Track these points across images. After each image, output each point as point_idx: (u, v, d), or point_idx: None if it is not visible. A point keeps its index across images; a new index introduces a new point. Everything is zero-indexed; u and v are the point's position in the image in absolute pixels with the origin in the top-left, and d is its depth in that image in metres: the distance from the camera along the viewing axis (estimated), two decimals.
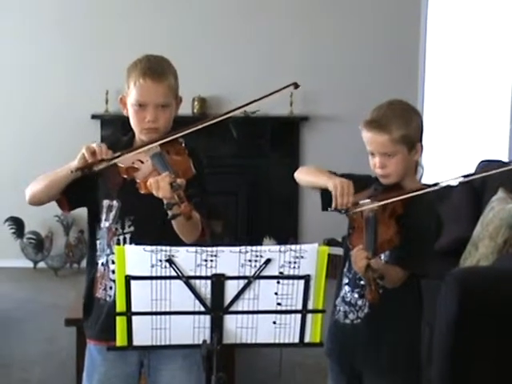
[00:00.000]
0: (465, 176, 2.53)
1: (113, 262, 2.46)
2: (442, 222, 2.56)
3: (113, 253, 2.45)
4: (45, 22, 6.39)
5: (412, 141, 2.53)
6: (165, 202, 2.24)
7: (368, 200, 2.48)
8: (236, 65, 6.48)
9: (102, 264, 2.52)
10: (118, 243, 2.47)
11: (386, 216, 2.45)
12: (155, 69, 2.46)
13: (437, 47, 6.61)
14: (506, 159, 6.23)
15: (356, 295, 2.58)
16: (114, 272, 2.45)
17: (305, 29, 6.48)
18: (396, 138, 2.49)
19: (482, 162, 5.16)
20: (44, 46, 6.41)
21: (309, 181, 2.69)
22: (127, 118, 2.54)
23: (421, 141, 2.57)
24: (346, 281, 2.62)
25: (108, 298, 2.50)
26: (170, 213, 2.24)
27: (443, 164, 6.49)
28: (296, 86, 2.43)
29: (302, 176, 2.73)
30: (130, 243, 2.45)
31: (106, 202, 2.53)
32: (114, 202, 2.51)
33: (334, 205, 2.47)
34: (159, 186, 2.23)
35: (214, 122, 2.48)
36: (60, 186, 2.47)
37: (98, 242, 2.54)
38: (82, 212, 2.63)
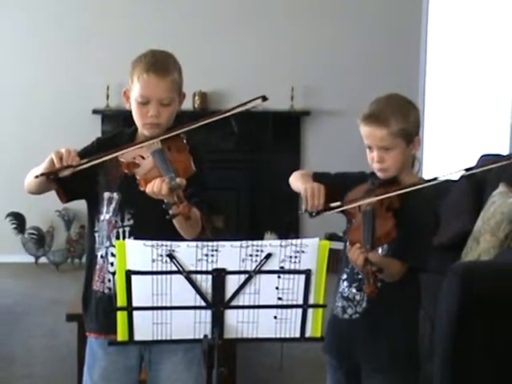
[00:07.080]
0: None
1: (112, 255, 2.47)
2: (439, 217, 2.56)
3: (112, 245, 2.46)
4: (45, 17, 6.39)
5: (410, 135, 2.52)
6: (165, 201, 2.25)
7: (338, 203, 2.51)
8: (237, 59, 6.47)
9: (102, 256, 2.52)
10: (118, 236, 2.47)
11: (384, 210, 2.45)
12: (160, 64, 2.45)
13: (438, 42, 6.60)
14: (506, 153, 6.23)
15: (354, 290, 2.58)
16: (112, 264, 2.46)
17: (305, 23, 6.46)
18: (394, 132, 2.48)
19: (483, 156, 5.15)
20: (44, 41, 6.41)
21: (294, 187, 2.77)
22: (130, 112, 2.53)
23: (418, 134, 2.57)
24: (344, 276, 2.62)
25: (107, 291, 2.50)
26: (169, 212, 2.24)
27: (444, 158, 6.50)
28: (264, 98, 2.40)
29: (291, 182, 2.80)
30: (129, 236, 2.45)
31: (106, 194, 2.52)
32: (115, 195, 2.51)
33: (304, 207, 2.56)
34: (157, 189, 2.23)
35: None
36: (37, 186, 2.45)
37: (96, 234, 2.53)
38: (83, 207, 2.62)
